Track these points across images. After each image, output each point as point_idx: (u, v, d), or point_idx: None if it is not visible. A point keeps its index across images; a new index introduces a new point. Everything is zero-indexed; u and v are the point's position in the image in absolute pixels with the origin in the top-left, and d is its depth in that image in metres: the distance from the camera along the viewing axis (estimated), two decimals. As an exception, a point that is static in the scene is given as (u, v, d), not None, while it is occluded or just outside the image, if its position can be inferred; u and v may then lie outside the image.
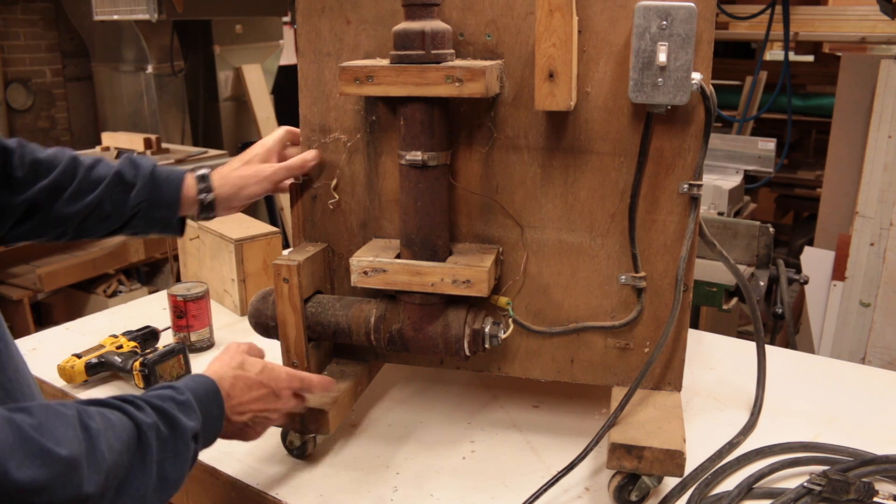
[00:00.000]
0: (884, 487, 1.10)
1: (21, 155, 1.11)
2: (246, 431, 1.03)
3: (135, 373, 1.36)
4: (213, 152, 4.03)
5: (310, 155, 1.21)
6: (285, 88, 4.84)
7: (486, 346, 1.15)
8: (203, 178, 1.18)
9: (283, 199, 4.69)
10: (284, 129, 1.27)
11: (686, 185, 1.10)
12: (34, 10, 4.94)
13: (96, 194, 1.13)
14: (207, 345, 1.59)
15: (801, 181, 4.73)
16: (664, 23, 1.00)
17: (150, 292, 3.57)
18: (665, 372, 1.19)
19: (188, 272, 1.95)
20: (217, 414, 0.95)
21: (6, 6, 4.79)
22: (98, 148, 4.03)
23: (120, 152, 3.84)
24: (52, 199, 1.12)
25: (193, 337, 1.57)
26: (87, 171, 1.14)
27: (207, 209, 1.19)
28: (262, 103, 4.77)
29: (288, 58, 5.19)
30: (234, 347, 1.07)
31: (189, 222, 1.77)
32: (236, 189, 1.19)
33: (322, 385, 1.12)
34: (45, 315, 3.59)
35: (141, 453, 0.79)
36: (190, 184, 1.17)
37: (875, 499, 1.05)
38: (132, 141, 3.90)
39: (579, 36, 1.07)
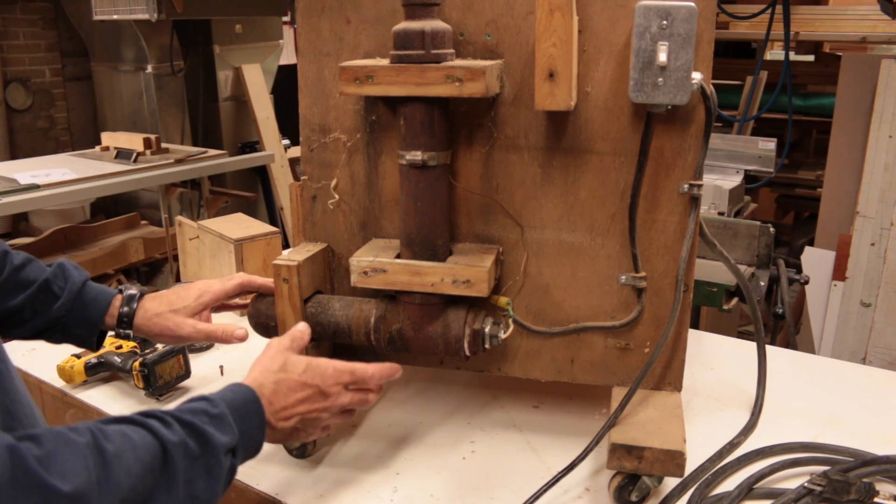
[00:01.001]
0: (884, 488, 1.10)
1: None
2: (296, 435, 0.99)
3: (134, 373, 1.36)
4: (212, 152, 4.03)
5: (240, 333, 1.18)
6: (285, 88, 4.83)
7: (486, 346, 1.15)
8: (125, 315, 1.16)
9: (284, 199, 4.70)
10: (240, 278, 1.23)
11: (686, 185, 1.10)
12: (33, 10, 4.94)
13: (19, 299, 1.09)
14: (207, 345, 1.59)
15: (802, 181, 4.73)
16: (664, 22, 0.99)
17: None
18: (665, 372, 1.19)
19: (188, 272, 1.95)
20: (257, 424, 0.91)
21: (5, 6, 4.79)
22: (98, 147, 4.03)
23: (119, 152, 3.84)
24: None
25: (193, 337, 1.57)
26: (13, 272, 1.10)
27: (123, 336, 1.19)
28: (262, 103, 4.77)
29: (288, 57, 5.19)
30: (274, 346, 1.03)
31: (188, 222, 1.76)
32: (151, 334, 1.18)
33: (381, 375, 1.04)
34: (45, 315, 3.58)
35: (166, 474, 0.76)
36: (113, 312, 1.16)
37: (876, 499, 1.05)
38: (132, 141, 3.89)
39: (579, 36, 1.07)
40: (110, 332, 1.18)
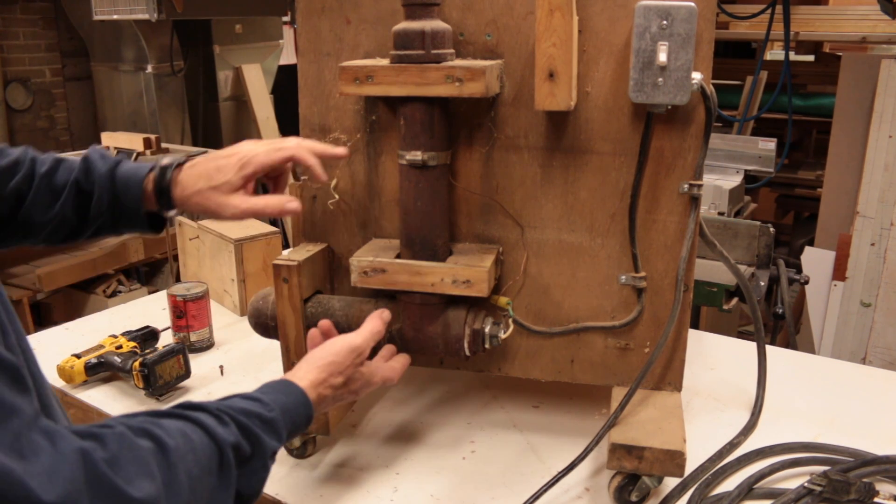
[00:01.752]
0: (884, 488, 1.10)
1: None
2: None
3: (134, 373, 1.36)
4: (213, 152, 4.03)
5: (292, 205, 1.05)
6: (285, 88, 4.84)
7: (486, 346, 1.15)
8: (161, 194, 1.04)
9: (283, 199, 4.69)
10: (291, 149, 1.06)
11: (686, 185, 1.10)
12: (33, 10, 4.94)
13: (57, 207, 1.04)
14: (207, 345, 1.59)
15: (802, 181, 4.73)
16: (664, 22, 0.99)
17: (150, 292, 3.57)
18: (665, 372, 1.19)
19: (188, 272, 1.95)
20: (303, 424, 0.91)
21: (5, 6, 4.78)
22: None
23: (119, 152, 3.84)
24: (15, 207, 1.03)
25: (193, 337, 1.57)
26: (43, 180, 1.04)
27: (173, 216, 1.09)
28: (262, 103, 4.77)
29: (288, 58, 5.19)
30: (334, 350, 1.01)
31: (188, 222, 1.76)
32: (195, 212, 1.08)
33: (370, 341, 1.04)
34: (45, 315, 3.59)
35: (222, 476, 0.76)
36: (149, 195, 1.05)
37: (876, 499, 1.05)
38: (132, 141, 3.89)
39: (579, 36, 1.07)
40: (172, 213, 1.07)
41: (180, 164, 1.06)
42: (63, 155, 1.09)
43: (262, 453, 0.81)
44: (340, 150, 1.09)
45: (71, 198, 1.04)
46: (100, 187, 1.04)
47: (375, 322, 1.08)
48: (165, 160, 1.07)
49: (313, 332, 1.10)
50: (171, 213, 1.06)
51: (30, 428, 0.60)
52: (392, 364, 1.10)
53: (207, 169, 1.04)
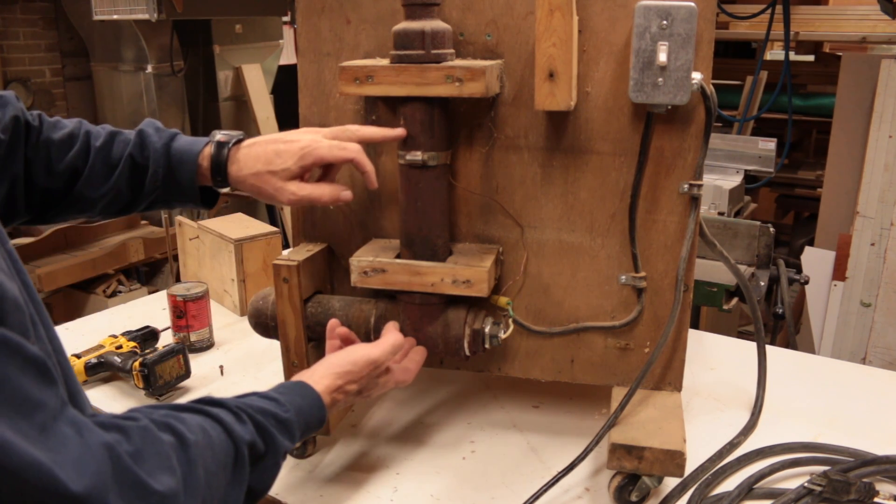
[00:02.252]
0: (884, 488, 1.10)
1: (37, 133, 1.02)
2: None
3: (134, 373, 1.36)
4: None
5: (346, 194, 1.07)
6: (285, 88, 4.84)
7: (486, 346, 1.15)
8: (217, 170, 1.04)
9: (283, 199, 4.69)
10: (354, 152, 1.05)
11: (686, 185, 1.10)
12: (33, 10, 4.94)
13: (112, 181, 1.04)
14: (207, 345, 1.59)
15: (802, 181, 4.73)
16: (664, 22, 0.99)
17: (150, 292, 3.57)
18: (665, 372, 1.19)
19: (188, 272, 1.95)
20: (315, 428, 0.92)
21: (5, 6, 4.79)
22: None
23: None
24: (70, 182, 1.04)
25: (193, 337, 1.57)
26: (98, 154, 1.04)
27: (221, 185, 1.08)
28: (262, 103, 4.77)
29: (288, 58, 5.19)
30: (352, 359, 1.01)
31: (188, 222, 1.76)
32: (250, 193, 1.08)
33: (390, 352, 1.05)
34: (45, 315, 3.59)
35: (237, 472, 0.77)
36: (204, 171, 1.06)
37: (876, 499, 1.05)
38: (132, 141, 3.89)
39: (579, 36, 1.07)
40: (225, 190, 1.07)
41: (239, 142, 1.06)
42: (117, 129, 1.08)
43: (275, 452, 0.82)
44: (399, 131, 1.08)
45: (126, 172, 1.04)
46: (154, 162, 1.04)
47: (395, 335, 1.08)
48: (221, 135, 1.06)
49: (332, 323, 1.09)
50: (226, 189, 1.07)
51: (56, 419, 0.61)
52: (406, 365, 1.10)
53: (267, 152, 1.04)
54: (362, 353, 1.02)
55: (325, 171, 1.10)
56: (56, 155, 1.03)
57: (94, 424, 0.64)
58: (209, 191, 1.09)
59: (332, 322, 1.10)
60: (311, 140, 1.05)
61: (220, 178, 1.05)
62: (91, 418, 0.66)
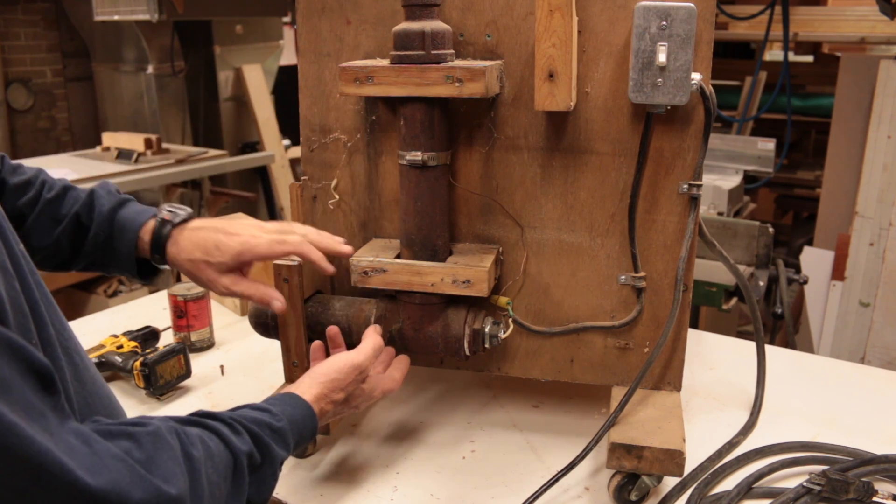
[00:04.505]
0: (883, 487, 1.10)
1: None
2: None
3: (135, 373, 1.36)
4: (213, 152, 4.03)
5: (277, 305, 1.05)
6: (285, 88, 4.84)
7: (486, 345, 1.15)
8: (156, 246, 1.04)
9: (284, 199, 4.70)
10: (293, 245, 1.04)
11: (686, 185, 1.10)
12: (35, 11, 4.94)
13: (54, 235, 1.04)
14: (208, 345, 1.59)
15: (801, 181, 4.73)
16: (664, 23, 1.00)
17: (151, 292, 3.56)
18: (665, 372, 1.19)
19: (188, 272, 1.95)
20: (309, 436, 0.93)
21: (7, 6, 4.79)
22: (99, 148, 4.03)
23: (120, 152, 3.84)
24: (14, 227, 1.04)
25: (194, 337, 1.57)
26: (47, 206, 1.04)
27: (159, 262, 1.07)
28: (263, 103, 4.78)
29: (288, 58, 5.20)
30: (336, 367, 1.01)
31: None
32: (184, 274, 1.07)
33: (372, 355, 1.04)
34: (46, 315, 3.59)
35: (236, 483, 0.77)
36: (143, 243, 1.05)
37: (874, 498, 1.05)
38: (132, 141, 3.90)
39: (579, 36, 1.07)
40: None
41: (184, 222, 1.05)
42: (74, 184, 1.08)
43: (271, 461, 0.83)
44: (346, 249, 1.08)
45: (69, 229, 1.04)
46: (98, 225, 1.04)
47: (375, 338, 1.09)
48: (166, 212, 1.05)
49: (316, 344, 1.12)
50: (163, 267, 1.06)
51: (59, 430, 0.61)
52: (392, 374, 1.11)
53: (207, 242, 1.03)
54: (345, 360, 1.02)
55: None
56: (7, 198, 1.02)
57: (100, 436, 0.64)
58: (148, 264, 1.08)
59: (316, 344, 1.12)
60: (251, 236, 1.04)
61: (159, 256, 1.05)
62: (97, 425, 0.67)
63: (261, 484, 0.82)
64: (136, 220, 1.05)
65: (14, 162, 1.06)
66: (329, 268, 1.07)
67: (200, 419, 0.79)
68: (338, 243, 1.09)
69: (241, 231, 1.04)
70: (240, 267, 1.04)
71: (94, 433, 0.64)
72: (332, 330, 1.12)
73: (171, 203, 1.09)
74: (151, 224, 1.05)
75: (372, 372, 1.08)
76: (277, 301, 1.06)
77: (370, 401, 1.07)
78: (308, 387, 0.98)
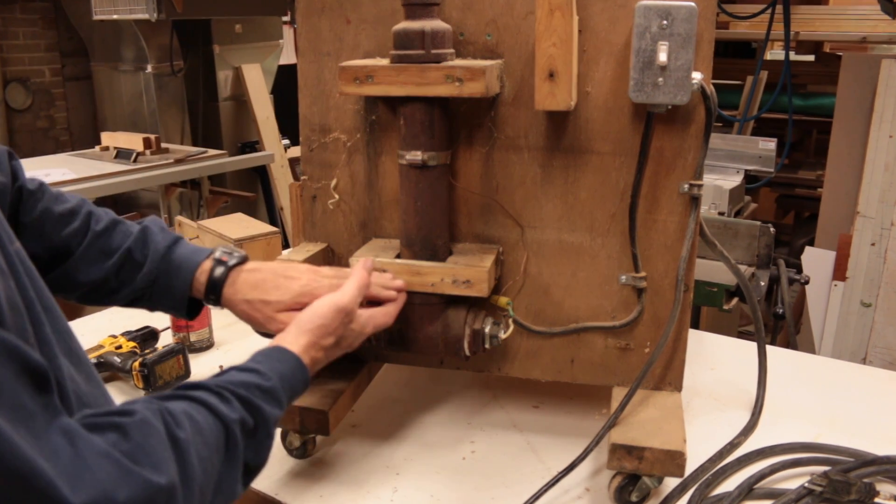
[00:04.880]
0: (885, 488, 1.10)
1: (35, 200, 1.00)
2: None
3: (134, 373, 1.36)
4: (212, 152, 4.03)
5: None
6: (285, 88, 4.83)
7: (486, 346, 1.15)
8: (212, 288, 1.03)
9: (283, 199, 4.69)
10: (355, 288, 1.01)
11: (686, 185, 1.10)
12: (33, 10, 4.94)
13: (104, 269, 1.02)
14: (207, 345, 1.59)
15: (802, 181, 4.73)
16: (664, 22, 0.99)
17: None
18: (665, 372, 1.19)
19: (188, 272, 1.95)
20: (301, 390, 0.90)
21: (5, 5, 4.79)
22: (97, 147, 4.03)
23: (119, 152, 3.84)
24: (60, 259, 1.01)
25: (193, 337, 1.57)
26: (97, 238, 1.02)
27: (213, 303, 1.06)
28: (262, 103, 4.77)
29: (288, 57, 5.19)
30: (321, 312, 0.96)
31: (188, 222, 1.76)
32: (238, 315, 1.06)
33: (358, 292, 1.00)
34: (45, 315, 3.58)
35: (229, 453, 0.76)
36: (199, 284, 1.04)
37: (876, 499, 1.05)
38: (131, 141, 3.89)
39: (579, 35, 1.07)
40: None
41: (239, 263, 1.05)
42: (120, 217, 1.06)
43: (265, 424, 0.81)
44: (401, 297, 1.08)
45: (120, 263, 1.02)
46: (152, 262, 1.03)
47: (361, 274, 1.03)
48: (222, 253, 1.05)
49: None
50: (217, 307, 1.05)
51: (48, 429, 0.60)
52: (385, 308, 1.06)
53: (265, 283, 1.03)
54: (329, 303, 0.98)
55: None
56: (51, 228, 1.00)
57: (87, 430, 0.63)
58: (194, 301, 1.07)
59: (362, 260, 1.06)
60: (311, 280, 1.03)
61: (214, 297, 1.04)
62: (85, 418, 0.66)
63: (257, 447, 0.80)
64: (192, 259, 1.04)
65: (54, 190, 1.04)
66: (399, 299, 1.09)
67: (186, 392, 0.77)
68: (390, 279, 1.09)
69: (300, 275, 1.04)
70: (296, 308, 1.02)
71: (80, 428, 0.63)
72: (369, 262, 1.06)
73: (224, 245, 1.08)
74: (208, 265, 1.04)
75: (360, 309, 1.03)
76: None
77: (362, 337, 1.02)
78: (295, 337, 0.94)
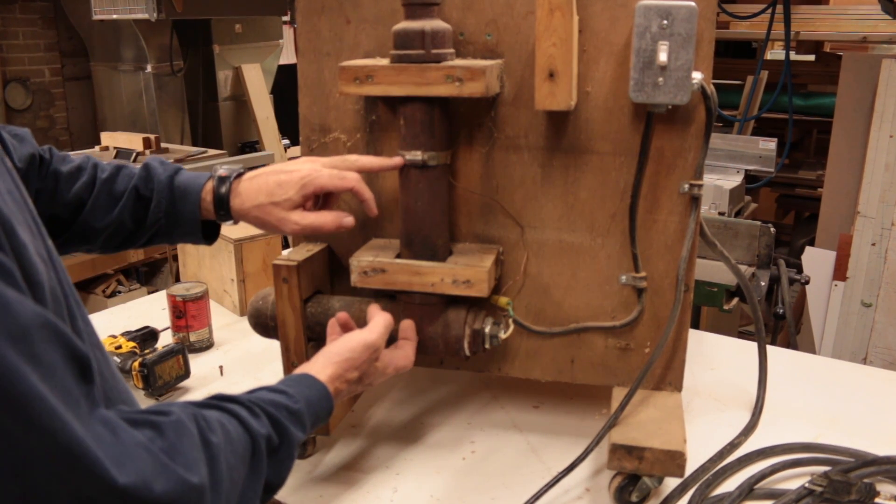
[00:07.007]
0: (885, 488, 1.09)
1: (46, 165, 1.06)
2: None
3: (134, 373, 1.36)
4: (212, 152, 4.03)
5: (348, 220, 1.08)
6: (285, 88, 4.84)
7: (487, 346, 1.15)
8: (220, 203, 1.07)
9: (283, 199, 4.69)
10: (353, 181, 1.07)
11: (687, 185, 1.10)
12: (33, 10, 4.94)
13: (115, 212, 1.06)
14: (207, 345, 1.59)
15: (802, 181, 4.73)
16: (665, 22, 0.99)
17: (150, 292, 3.56)
18: (666, 372, 1.19)
19: (187, 272, 1.95)
20: (324, 417, 0.93)
21: (5, 5, 4.79)
22: (97, 148, 4.03)
23: (119, 152, 3.84)
24: (76, 212, 1.06)
25: (193, 337, 1.57)
26: (104, 185, 1.07)
27: (224, 219, 1.10)
28: (262, 103, 4.78)
29: (287, 57, 5.19)
30: (350, 346, 1.00)
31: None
32: (253, 224, 1.10)
33: (382, 333, 1.05)
34: (45, 315, 3.58)
35: (255, 466, 0.77)
36: (207, 204, 1.08)
37: (876, 500, 1.05)
38: (131, 141, 3.89)
39: (580, 35, 1.07)
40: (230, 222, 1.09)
41: (240, 175, 1.09)
42: (124, 162, 1.12)
43: (288, 444, 0.83)
44: (397, 160, 1.10)
45: (130, 203, 1.07)
46: (158, 193, 1.07)
47: (385, 315, 1.08)
48: (222, 170, 1.09)
49: (332, 322, 1.10)
50: (229, 223, 1.09)
51: (90, 418, 0.62)
52: (404, 351, 1.10)
53: (268, 183, 1.06)
54: (358, 338, 1.02)
55: (325, 200, 1.12)
56: (63, 186, 1.06)
57: (126, 423, 0.65)
58: (209, 225, 1.11)
59: (333, 320, 1.10)
60: (311, 169, 1.07)
61: (224, 212, 1.08)
62: (121, 413, 0.67)
63: (279, 466, 0.82)
64: (195, 182, 1.08)
65: (61, 153, 1.09)
66: (374, 211, 1.11)
67: (220, 402, 0.79)
68: (389, 161, 1.11)
69: (298, 167, 1.07)
70: (304, 202, 1.07)
71: (120, 421, 0.65)
72: (343, 317, 1.09)
73: (220, 166, 1.12)
74: (210, 184, 1.08)
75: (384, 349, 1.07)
76: (348, 217, 1.09)
77: (383, 377, 1.06)
78: (323, 367, 0.97)
